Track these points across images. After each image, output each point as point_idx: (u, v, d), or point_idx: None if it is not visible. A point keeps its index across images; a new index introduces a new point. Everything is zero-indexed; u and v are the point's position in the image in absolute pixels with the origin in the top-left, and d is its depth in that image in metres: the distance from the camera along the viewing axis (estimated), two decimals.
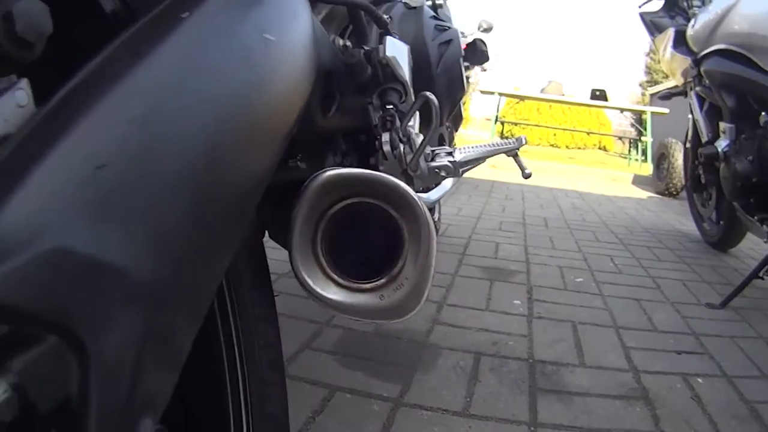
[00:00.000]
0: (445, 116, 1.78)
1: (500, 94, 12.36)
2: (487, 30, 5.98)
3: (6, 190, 0.33)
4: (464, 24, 5.44)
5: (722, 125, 3.40)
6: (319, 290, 0.84)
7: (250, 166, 0.57)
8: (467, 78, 5.92)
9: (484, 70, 7.44)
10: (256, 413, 0.80)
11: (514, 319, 2.36)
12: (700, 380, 1.91)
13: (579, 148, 20.17)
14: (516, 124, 16.04)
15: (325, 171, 0.82)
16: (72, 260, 0.35)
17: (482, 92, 13.48)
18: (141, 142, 0.42)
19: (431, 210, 2.48)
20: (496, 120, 12.30)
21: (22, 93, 0.39)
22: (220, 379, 0.78)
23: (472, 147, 1.61)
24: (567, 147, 19.94)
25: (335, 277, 0.85)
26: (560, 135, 19.95)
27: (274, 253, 1.11)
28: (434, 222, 3.40)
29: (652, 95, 18.50)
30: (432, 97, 1.11)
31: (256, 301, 0.83)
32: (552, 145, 19.85)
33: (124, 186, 0.40)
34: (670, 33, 4.12)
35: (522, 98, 13.57)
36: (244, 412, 0.79)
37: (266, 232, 1.08)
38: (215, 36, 0.53)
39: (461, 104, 2.98)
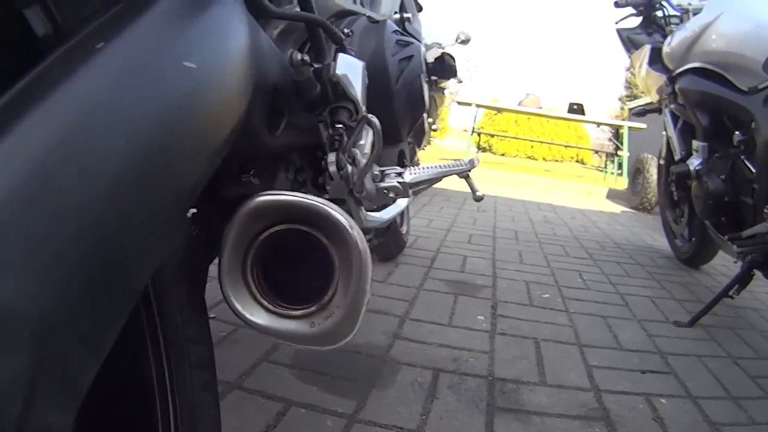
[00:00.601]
0: (404, 132, 1.76)
1: (477, 106, 12.39)
2: (465, 42, 6.00)
3: None
4: (441, 35, 5.44)
5: (695, 143, 3.40)
6: (247, 315, 0.83)
7: (168, 188, 0.56)
8: (442, 89, 5.93)
9: (460, 82, 7.47)
10: None
11: (476, 335, 2.34)
12: (663, 401, 1.90)
13: (556, 160, 20.30)
14: (493, 136, 16.12)
15: (256, 196, 0.81)
16: None
17: (459, 103, 13.51)
18: (36, 168, 0.41)
19: (387, 227, 2.45)
20: (473, 131, 12.32)
21: None
22: (148, 400, 0.75)
23: (423, 168, 1.58)
24: (544, 159, 20.05)
25: (264, 302, 0.84)
26: (537, 147, 20.06)
27: None
28: (401, 235, 3.39)
29: (630, 110, 18.64)
30: (374, 119, 1.09)
31: (188, 321, 0.80)
32: (529, 157, 19.96)
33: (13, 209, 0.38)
34: (646, 50, 4.12)
35: (499, 110, 13.64)
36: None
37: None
38: (131, 66, 0.52)
39: (425, 120, 2.96)
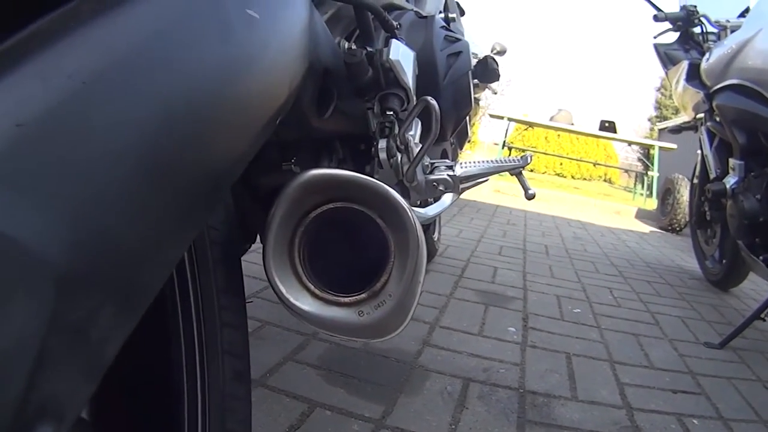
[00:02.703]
0: (449, 131, 1.73)
1: (509, 120, 12.35)
2: (501, 53, 5.98)
3: None
4: (478, 45, 5.42)
5: (731, 162, 3.37)
6: (291, 299, 0.78)
7: (216, 151, 0.51)
8: (477, 99, 5.90)
9: (495, 93, 7.43)
10: (214, 428, 0.74)
11: (507, 347, 2.31)
12: (695, 421, 1.86)
13: (585, 178, 20.27)
14: (523, 151, 16.05)
15: (309, 170, 0.76)
16: None
17: (491, 116, 13.47)
18: (78, 107, 0.36)
19: (427, 227, 2.43)
20: (504, 145, 12.28)
21: None
22: (176, 388, 0.71)
23: (475, 162, 1.55)
24: (573, 177, 20.04)
25: (311, 286, 0.79)
26: (567, 164, 20.04)
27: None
28: (432, 241, 3.36)
29: (660, 130, 18.54)
30: (432, 102, 1.05)
31: (225, 304, 0.77)
32: (558, 174, 19.95)
33: (45, 151, 0.34)
34: (684, 66, 4.09)
35: (531, 125, 13.57)
36: (200, 425, 0.72)
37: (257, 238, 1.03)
38: (191, 4, 0.47)
39: (467, 121, 2.93)
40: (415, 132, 1.29)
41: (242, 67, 0.53)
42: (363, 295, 0.78)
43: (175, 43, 0.45)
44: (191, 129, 0.46)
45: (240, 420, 0.80)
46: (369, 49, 1.08)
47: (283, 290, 0.77)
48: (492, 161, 1.59)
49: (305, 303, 0.78)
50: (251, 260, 1.36)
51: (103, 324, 0.40)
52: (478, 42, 5.47)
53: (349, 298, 0.78)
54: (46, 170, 0.34)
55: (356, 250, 0.81)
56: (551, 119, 13.93)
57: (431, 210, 1.54)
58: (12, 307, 0.32)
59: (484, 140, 23.03)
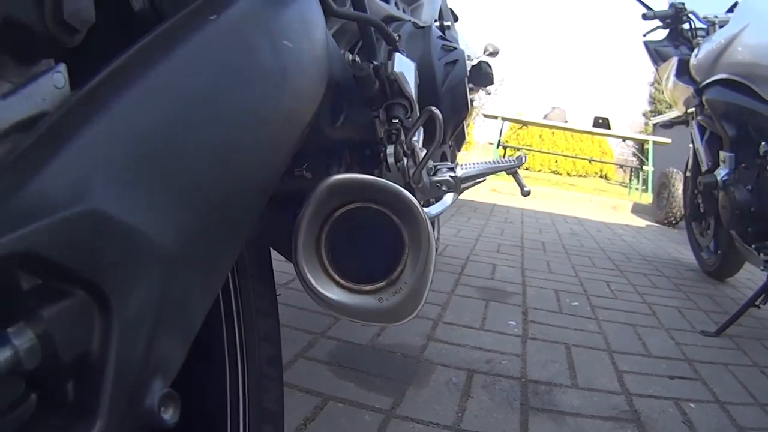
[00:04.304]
0: (448, 134, 1.80)
1: (503, 119, 12.40)
2: (493, 54, 6.01)
3: (47, 155, 0.37)
4: (471, 47, 5.47)
5: (722, 154, 3.41)
6: (320, 289, 0.87)
7: (268, 157, 0.62)
8: (471, 100, 5.95)
9: (489, 94, 7.49)
10: (253, 406, 0.82)
11: (508, 339, 2.37)
12: (692, 405, 1.91)
13: (580, 175, 20.23)
14: (518, 150, 16.07)
15: (334, 175, 0.85)
16: (104, 222, 0.39)
17: (485, 116, 13.52)
18: (166, 128, 0.47)
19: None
20: (498, 144, 12.31)
21: (60, 76, 0.43)
22: (219, 369, 0.80)
23: (474, 164, 1.63)
24: (568, 174, 20.00)
25: (337, 277, 0.88)
26: (562, 162, 20.02)
27: (274, 264, 1.13)
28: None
29: (655, 125, 18.55)
30: (437, 111, 1.13)
31: (259, 294, 0.85)
32: (553, 172, 19.90)
33: (156, 162, 0.45)
34: (674, 62, 4.14)
35: (525, 123, 13.60)
36: (241, 404, 0.80)
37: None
38: (240, 37, 0.58)
39: (464, 125, 2.99)
40: (418, 138, 1.37)
41: (283, 91, 0.64)
42: (382, 284, 0.88)
43: (235, 77, 0.56)
44: (253, 144, 0.58)
45: (274, 399, 0.88)
46: (375, 62, 1.16)
47: (312, 281, 0.86)
48: (489, 162, 1.66)
49: (332, 292, 0.87)
50: None
51: (194, 299, 0.51)
52: (471, 44, 5.52)
53: (370, 287, 0.88)
54: (160, 177, 0.45)
55: (375, 244, 0.89)
56: (545, 117, 13.97)
57: (434, 209, 1.62)
58: (138, 286, 0.43)
59: (479, 140, 22.97)
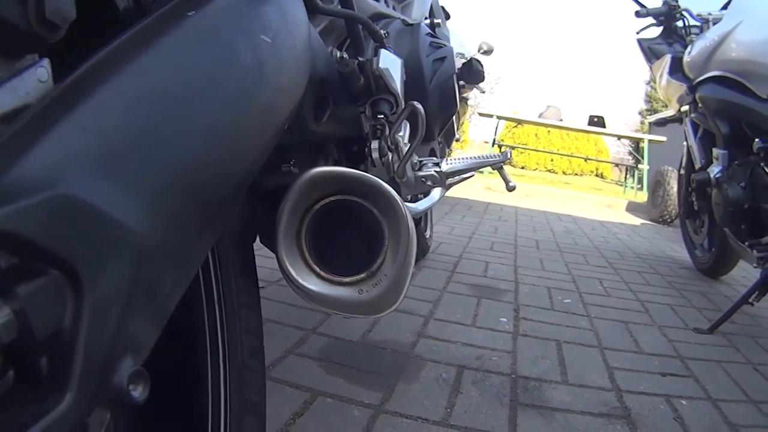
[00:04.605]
0: (436, 131, 1.80)
1: (498, 118, 12.41)
2: (487, 52, 6.03)
3: (27, 143, 0.40)
4: (465, 45, 5.48)
5: (715, 151, 3.42)
6: (300, 280, 0.87)
7: (244, 151, 0.64)
8: (465, 99, 5.97)
9: (483, 92, 7.47)
10: (235, 397, 0.83)
11: (499, 336, 2.38)
12: (684, 402, 1.92)
13: (576, 174, 20.27)
14: (513, 148, 16.09)
15: (314, 168, 0.85)
16: (78, 206, 0.42)
17: (481, 115, 13.54)
18: (143, 120, 0.50)
19: (418, 222, 2.50)
20: (494, 143, 12.32)
21: (43, 70, 0.46)
22: (201, 360, 0.80)
23: (459, 159, 1.63)
24: (564, 172, 20.03)
25: (317, 269, 0.89)
26: (557, 160, 20.06)
27: (267, 261, 1.13)
28: (424, 239, 3.42)
29: (651, 123, 18.57)
30: (419, 106, 1.13)
31: (242, 287, 0.85)
32: (549, 170, 19.94)
33: (130, 151, 0.48)
34: (667, 59, 4.14)
35: (520, 122, 13.60)
36: (223, 395, 0.81)
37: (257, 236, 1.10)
38: (217, 33, 0.61)
39: (454, 122, 2.99)
40: (404, 133, 1.37)
41: (260, 86, 0.66)
42: (362, 275, 0.88)
43: (211, 72, 0.59)
44: (229, 138, 0.61)
45: (257, 391, 0.89)
46: (360, 58, 1.17)
47: (293, 273, 0.87)
48: (475, 157, 1.67)
49: (312, 284, 0.88)
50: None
51: (167, 284, 0.53)
52: (465, 42, 5.53)
53: (351, 278, 0.88)
54: (135, 167, 0.48)
55: (355, 237, 0.90)
56: (540, 116, 13.97)
57: (421, 204, 1.62)
58: (109, 268, 0.45)
59: (475, 139, 23.01)
